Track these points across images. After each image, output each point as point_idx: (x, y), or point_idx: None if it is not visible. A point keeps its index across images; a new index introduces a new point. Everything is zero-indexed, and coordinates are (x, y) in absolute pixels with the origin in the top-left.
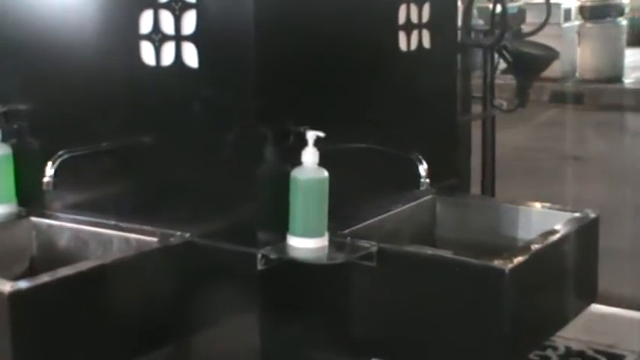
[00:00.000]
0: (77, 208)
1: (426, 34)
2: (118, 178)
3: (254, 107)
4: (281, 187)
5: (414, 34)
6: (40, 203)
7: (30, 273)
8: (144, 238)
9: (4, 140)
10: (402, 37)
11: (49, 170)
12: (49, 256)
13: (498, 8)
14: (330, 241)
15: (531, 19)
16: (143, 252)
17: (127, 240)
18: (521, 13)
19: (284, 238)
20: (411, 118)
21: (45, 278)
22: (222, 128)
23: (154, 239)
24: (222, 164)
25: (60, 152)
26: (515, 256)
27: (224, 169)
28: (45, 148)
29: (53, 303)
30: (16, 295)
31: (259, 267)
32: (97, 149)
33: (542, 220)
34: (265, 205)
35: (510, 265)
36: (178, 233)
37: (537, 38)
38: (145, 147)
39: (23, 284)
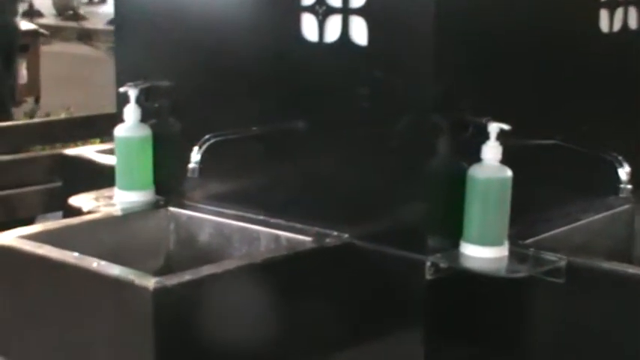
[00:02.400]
0: (220, 200)
1: (632, 12)
2: (268, 168)
3: (430, 93)
4: (456, 187)
5: (619, 12)
6: (179, 192)
7: (166, 269)
8: (296, 236)
9: (144, 120)
10: (603, 15)
11: (196, 155)
12: (187, 251)
13: None
14: (511, 252)
15: None
16: (296, 252)
17: (277, 238)
18: None
19: (457, 246)
20: (610, 111)
21: (190, 275)
22: (391, 116)
23: (308, 239)
24: (389, 157)
25: (207, 136)
26: None
27: (390, 163)
28: (187, 130)
29: (197, 302)
30: (160, 291)
31: (427, 277)
32: (246, 134)
33: None
34: (437, 207)
35: None
36: (335, 233)
37: None
38: (301, 134)
39: (168, 280)
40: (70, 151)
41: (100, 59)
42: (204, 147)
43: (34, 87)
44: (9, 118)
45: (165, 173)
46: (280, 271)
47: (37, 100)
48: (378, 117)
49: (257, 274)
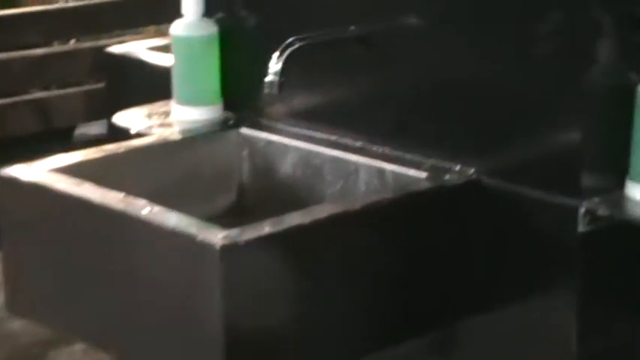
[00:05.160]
0: (308, 120)
1: None
2: (370, 80)
3: None
4: (621, 107)
5: None
6: (255, 108)
7: (238, 207)
8: (405, 171)
9: (208, 14)
10: None
11: (275, 64)
12: (265, 184)
13: None
14: None
15: None
16: (407, 195)
17: (381, 172)
18: None
19: (621, 186)
20: None
21: (268, 228)
22: (534, 9)
23: (422, 174)
24: (530, 65)
25: (291, 39)
26: None
27: (533, 74)
28: (266, 27)
29: (277, 261)
30: (230, 249)
31: (581, 228)
32: (341, 35)
33: None
34: (595, 133)
35: None
36: (457, 167)
37: None
38: (412, 34)
39: (240, 236)
40: (116, 48)
41: None
42: (286, 53)
43: None
44: None
45: (236, 83)
46: (386, 220)
47: None
48: (515, 11)
49: (355, 225)
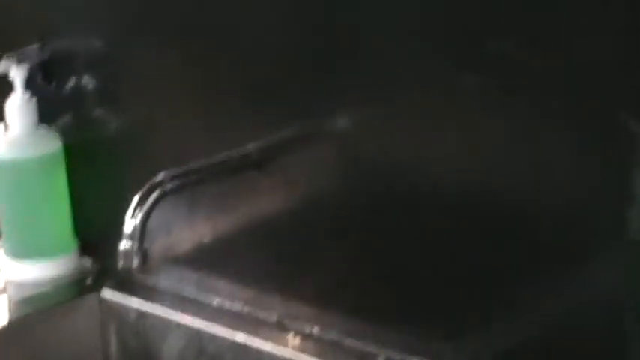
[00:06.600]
0: (196, 274)
1: None
2: (279, 220)
3: (619, 74)
4: None
5: None
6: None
7: None
8: None
9: (48, 120)
10: None
11: (131, 219)
12: None
13: None
14: None
15: None
16: None
17: None
18: None
19: None
20: None
21: None
22: (551, 116)
23: None
24: (550, 192)
25: (160, 175)
26: None
27: (547, 192)
28: (131, 137)
29: None
30: None
31: None
32: (233, 163)
33: None
34: None
35: None
36: None
37: None
38: (338, 141)
39: None
40: None
41: None
42: (150, 201)
43: None
44: None
45: (94, 217)
46: None
47: None
48: (521, 116)
49: None
